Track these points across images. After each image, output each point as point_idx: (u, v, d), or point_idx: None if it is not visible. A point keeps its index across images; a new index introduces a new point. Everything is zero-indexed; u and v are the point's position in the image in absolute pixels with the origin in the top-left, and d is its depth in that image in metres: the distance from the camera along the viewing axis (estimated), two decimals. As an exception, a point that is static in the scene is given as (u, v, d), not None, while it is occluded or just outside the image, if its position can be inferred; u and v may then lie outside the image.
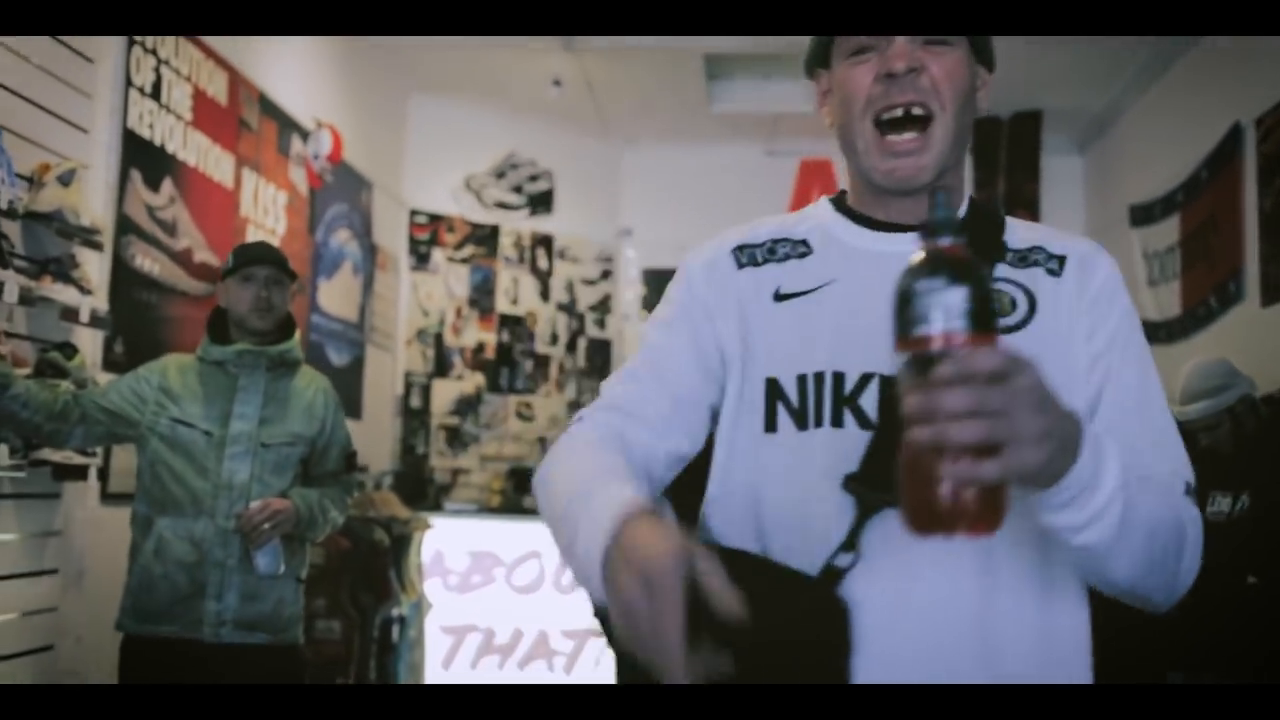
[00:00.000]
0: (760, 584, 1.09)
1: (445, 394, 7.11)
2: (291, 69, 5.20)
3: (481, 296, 7.30)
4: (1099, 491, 1.05)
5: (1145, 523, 1.12)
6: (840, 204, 1.39)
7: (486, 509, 6.28)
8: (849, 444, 1.21)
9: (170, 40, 4.02)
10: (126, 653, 2.95)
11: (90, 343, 3.53)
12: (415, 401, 7.00)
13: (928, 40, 1.26)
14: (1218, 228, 5.49)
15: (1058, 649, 1.22)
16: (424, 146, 7.03)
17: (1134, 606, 1.24)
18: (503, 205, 7.41)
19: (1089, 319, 1.27)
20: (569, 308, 7.67)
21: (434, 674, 5.43)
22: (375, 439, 6.40)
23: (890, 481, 1.02)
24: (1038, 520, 1.08)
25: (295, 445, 3.03)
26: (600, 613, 1.08)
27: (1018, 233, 1.34)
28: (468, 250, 7.26)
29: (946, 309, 0.91)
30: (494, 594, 5.56)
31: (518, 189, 7.46)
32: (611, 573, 0.99)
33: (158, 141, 3.95)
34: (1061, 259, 1.30)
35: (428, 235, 7.09)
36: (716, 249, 1.38)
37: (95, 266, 3.54)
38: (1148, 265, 6.43)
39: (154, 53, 3.92)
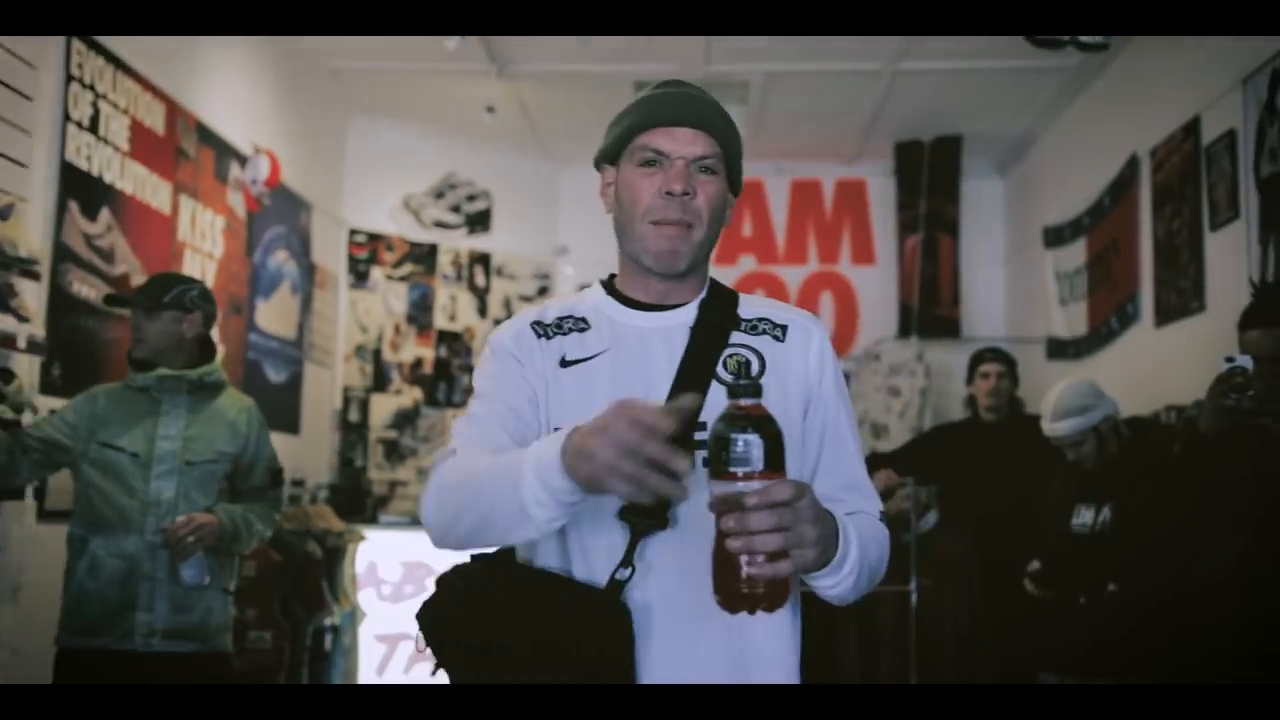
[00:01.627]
0: (561, 596, 1.51)
1: (383, 408, 7.28)
2: (229, 96, 5.36)
3: (419, 313, 7.47)
4: (845, 563, 1.47)
5: (868, 566, 1.53)
6: (610, 287, 1.72)
7: (420, 520, 6.44)
8: None
9: (108, 75, 4.18)
10: (61, 664, 3.12)
11: (28, 368, 3.68)
12: (354, 416, 7.16)
13: (701, 167, 1.62)
14: (1119, 252, 5.79)
15: (784, 644, 1.59)
16: (363, 168, 7.20)
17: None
18: (441, 224, 7.59)
19: (807, 379, 1.65)
20: (507, 324, 7.84)
21: (367, 680, 5.59)
22: (313, 453, 6.56)
23: (653, 510, 1.50)
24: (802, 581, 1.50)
25: (219, 462, 3.22)
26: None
27: (749, 307, 1.70)
28: (406, 268, 7.43)
29: (752, 455, 1.26)
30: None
31: (456, 208, 7.65)
32: (578, 444, 1.29)
33: (95, 172, 4.11)
34: (785, 327, 1.68)
35: (366, 254, 7.26)
36: (519, 325, 1.69)
37: (33, 295, 3.69)
38: (1058, 285, 6.73)
39: (91, 88, 4.08)
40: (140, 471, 3.12)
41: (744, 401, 1.29)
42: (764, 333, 1.66)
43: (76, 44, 3.98)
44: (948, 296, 7.65)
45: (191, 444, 3.18)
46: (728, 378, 1.58)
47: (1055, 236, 6.75)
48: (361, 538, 5.56)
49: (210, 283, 5.10)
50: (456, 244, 7.66)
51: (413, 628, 5.41)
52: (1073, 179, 6.57)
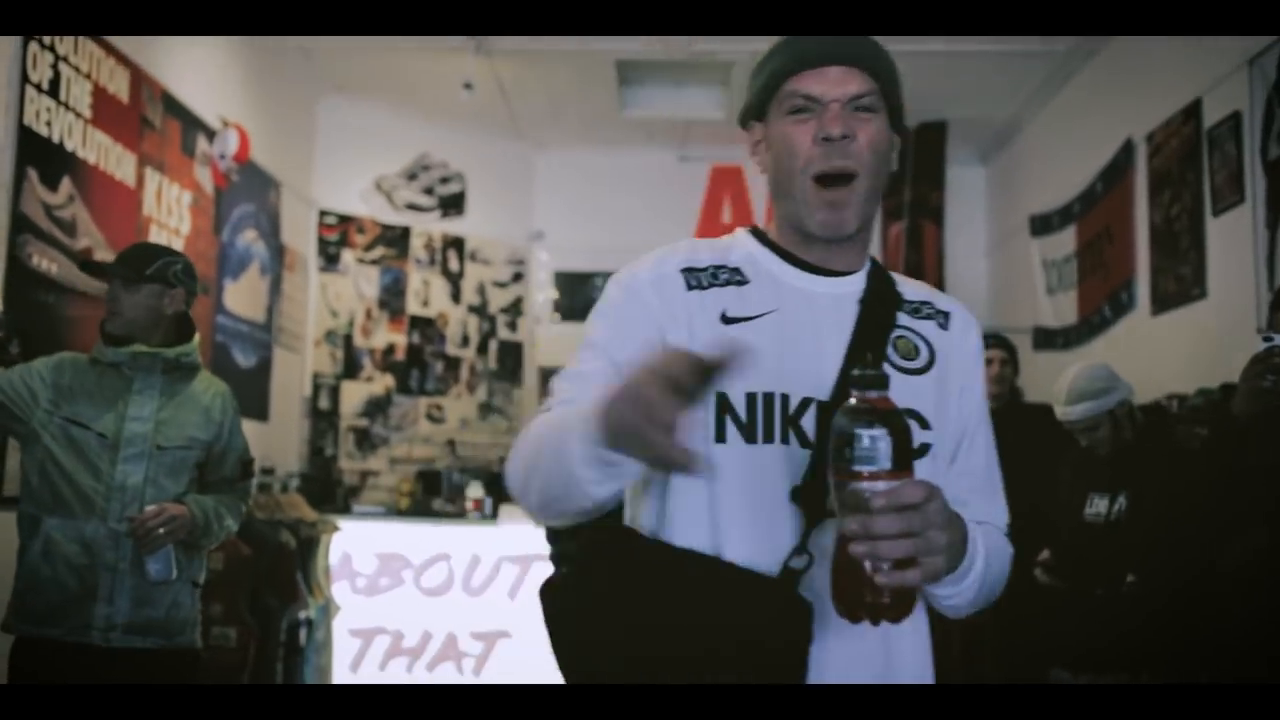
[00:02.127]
0: (733, 582, 1.35)
1: (354, 396, 7.07)
2: (197, 67, 5.13)
3: (392, 298, 7.27)
4: (970, 574, 1.37)
5: (989, 579, 1.42)
6: (763, 239, 1.54)
7: (395, 511, 6.26)
8: (792, 460, 1.39)
9: (69, 37, 3.95)
10: (16, 654, 2.89)
11: (-17, 344, 3.47)
12: (324, 403, 6.95)
13: (857, 107, 1.45)
14: (1112, 239, 5.68)
15: (924, 644, 1.48)
16: (334, 147, 6.98)
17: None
18: (414, 207, 7.39)
19: (965, 374, 1.53)
20: (480, 310, 7.67)
21: (342, 676, 5.40)
22: (282, 441, 6.34)
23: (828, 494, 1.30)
24: None
25: (191, 449, 2.99)
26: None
27: (906, 287, 1.56)
28: (378, 251, 7.22)
29: (879, 452, 1.16)
30: (402, 596, 5.54)
31: (429, 191, 7.45)
32: (605, 404, 1.17)
33: (56, 139, 3.88)
34: (947, 314, 1.55)
35: (337, 236, 7.05)
36: (662, 267, 1.49)
37: (-11, 267, 3.48)
38: (1046, 274, 6.63)
39: (52, 49, 3.85)
40: (107, 453, 2.87)
41: (870, 394, 1.19)
42: (928, 317, 1.53)
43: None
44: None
45: (163, 427, 2.94)
46: (899, 361, 1.46)
47: (1043, 224, 6.65)
48: (335, 528, 5.36)
49: (177, 260, 4.89)
50: (429, 227, 7.45)
51: (389, 622, 5.20)
52: (1061, 166, 6.47)
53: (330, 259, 7.02)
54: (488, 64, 6.30)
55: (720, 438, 1.40)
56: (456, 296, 7.54)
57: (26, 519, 2.88)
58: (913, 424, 1.39)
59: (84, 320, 4.07)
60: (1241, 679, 2.72)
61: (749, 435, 1.40)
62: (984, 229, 7.94)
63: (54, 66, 3.87)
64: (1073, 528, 3.41)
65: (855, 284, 1.51)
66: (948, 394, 1.50)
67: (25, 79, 3.71)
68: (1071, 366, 3.52)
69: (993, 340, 4.50)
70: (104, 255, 4.20)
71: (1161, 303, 5.08)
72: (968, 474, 1.51)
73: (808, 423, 1.40)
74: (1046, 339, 6.51)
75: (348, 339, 7.06)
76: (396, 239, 7.31)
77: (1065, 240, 6.34)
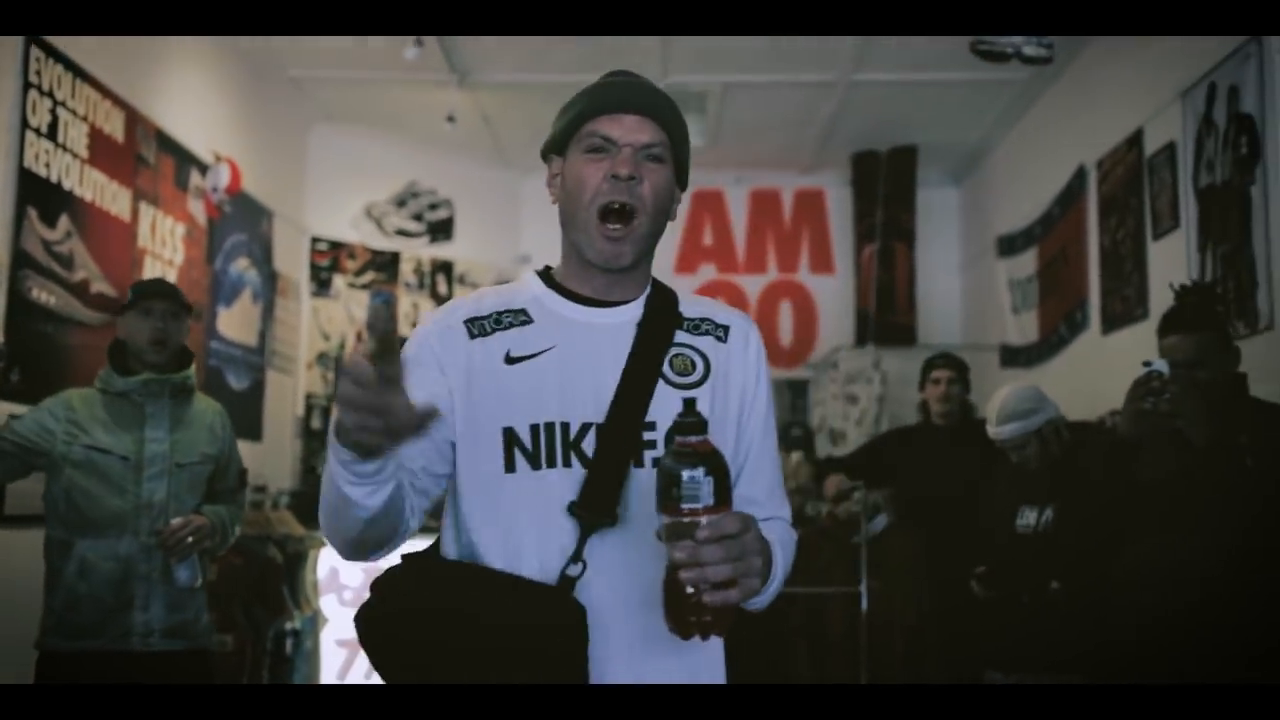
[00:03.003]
0: (512, 593, 1.50)
1: (346, 416, 7.28)
2: (190, 104, 5.39)
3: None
4: (773, 584, 1.54)
5: (786, 573, 1.59)
6: (549, 279, 1.68)
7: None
8: (574, 479, 1.53)
9: (66, 82, 4.21)
10: (45, 668, 3.13)
11: (-14, 373, 3.71)
12: (316, 423, 7.18)
13: (647, 155, 1.60)
14: (1067, 261, 5.91)
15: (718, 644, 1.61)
16: (325, 175, 7.23)
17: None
18: (403, 232, 7.64)
19: (744, 381, 1.66)
20: (469, 331, 7.88)
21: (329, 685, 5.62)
22: (275, 459, 6.58)
23: (603, 506, 1.50)
24: None
25: (205, 464, 3.28)
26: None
27: (689, 305, 1.70)
28: (368, 276, 7.47)
29: (701, 489, 1.30)
30: (389, 609, 5.75)
31: (418, 216, 7.70)
32: (336, 428, 1.34)
33: (54, 179, 4.14)
34: (726, 328, 1.68)
35: (328, 262, 7.30)
36: (449, 318, 1.63)
37: (-9, 301, 3.72)
38: (1011, 293, 6.85)
39: (50, 95, 4.11)
40: (131, 474, 3.13)
41: (691, 439, 1.32)
42: (707, 333, 1.66)
43: (35, 51, 4.02)
44: (904, 304, 7.76)
45: (178, 446, 3.22)
46: (674, 378, 1.59)
47: (1008, 245, 6.88)
48: (323, 543, 5.59)
49: (170, 289, 5.13)
50: (419, 252, 7.70)
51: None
52: (1025, 189, 6.71)
53: (322, 284, 7.27)
54: (470, 96, 6.56)
55: (510, 468, 1.54)
56: (445, 318, 7.76)
57: (56, 543, 3.13)
58: None
59: (81, 349, 4.32)
60: (1144, 676, 2.95)
61: (534, 462, 1.54)
62: (957, 248, 8.17)
63: (52, 111, 4.13)
64: (1005, 538, 3.64)
65: (634, 311, 1.65)
66: (727, 402, 1.63)
67: (25, 124, 3.96)
68: (1002, 389, 3.76)
69: (940, 360, 4.70)
70: (100, 287, 4.45)
71: (1110, 322, 5.31)
72: (758, 478, 1.66)
73: (588, 445, 1.54)
74: (1012, 356, 6.73)
75: (339, 361, 7.30)
76: (386, 264, 7.56)
77: (1028, 261, 6.57)
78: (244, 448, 3.75)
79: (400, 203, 7.63)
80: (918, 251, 7.85)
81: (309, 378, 7.17)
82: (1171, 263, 4.63)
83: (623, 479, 1.53)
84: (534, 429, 1.54)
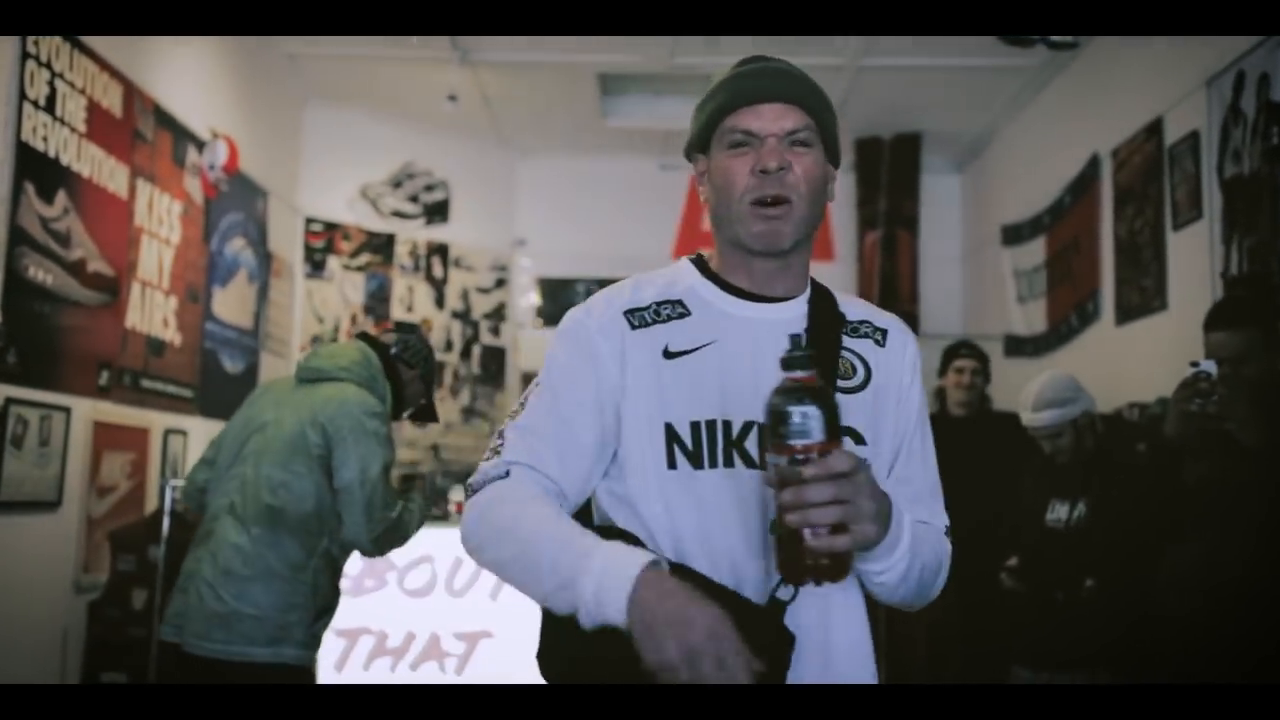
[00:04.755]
0: (731, 610, 1.36)
1: (339, 400, 7.16)
2: (187, 80, 5.24)
3: (376, 304, 7.38)
4: (897, 548, 1.44)
5: (920, 564, 1.50)
6: (704, 269, 1.63)
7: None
8: (739, 481, 1.48)
9: (65, 53, 4.07)
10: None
11: (-18, 354, 3.58)
12: (309, 407, 7.04)
13: (793, 141, 1.54)
14: (1079, 250, 5.84)
15: (862, 653, 1.56)
16: (320, 155, 7.08)
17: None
18: (399, 214, 7.50)
19: (900, 387, 1.61)
20: (464, 315, 7.79)
21: (327, 675, 5.51)
22: (268, 445, 6.44)
23: None
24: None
25: None
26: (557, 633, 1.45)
27: (848, 308, 1.64)
28: (363, 258, 7.33)
29: (809, 426, 1.25)
30: (386, 598, 5.64)
31: (414, 198, 7.56)
32: (651, 620, 1.26)
33: (51, 154, 3.99)
34: (885, 331, 1.63)
35: (323, 243, 7.15)
36: (608, 310, 1.58)
37: (-12, 279, 3.59)
38: (1017, 283, 6.78)
39: (48, 66, 3.97)
40: None
41: (799, 374, 1.28)
42: (866, 336, 1.62)
43: (33, 21, 3.87)
44: (907, 292, 7.69)
45: None
46: (837, 381, 1.55)
47: (1014, 234, 6.80)
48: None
49: (168, 269, 5.00)
50: (414, 234, 7.57)
51: (374, 623, 5.35)
52: (1032, 178, 6.63)
53: (316, 266, 7.13)
54: (471, 74, 6.43)
55: (671, 464, 1.49)
56: (440, 302, 7.65)
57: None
58: (848, 440, 1.48)
59: (77, 329, 4.18)
60: (1182, 678, 2.87)
61: (695, 461, 1.48)
62: (960, 236, 8.10)
63: (50, 83, 3.98)
64: (1035, 533, 3.55)
65: (796, 309, 1.59)
66: (884, 409, 1.58)
67: (23, 95, 3.82)
68: (1039, 375, 3.67)
69: (965, 349, 4.63)
70: (96, 265, 4.32)
71: (1125, 313, 5.24)
72: (906, 481, 1.59)
73: (751, 445, 1.48)
74: (1016, 346, 6.66)
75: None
76: (381, 246, 7.42)
77: (1035, 250, 6.49)
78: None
79: (396, 184, 7.49)
80: (920, 239, 7.77)
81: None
82: (1193, 254, 4.55)
83: None
84: (694, 426, 1.50)
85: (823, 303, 1.62)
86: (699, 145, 1.63)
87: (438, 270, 7.66)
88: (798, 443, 1.25)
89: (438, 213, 7.67)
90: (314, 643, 3.09)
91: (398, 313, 7.45)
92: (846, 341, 1.60)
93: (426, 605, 5.71)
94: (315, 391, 3.12)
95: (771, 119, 1.54)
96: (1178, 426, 2.79)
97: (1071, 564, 3.39)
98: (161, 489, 4.73)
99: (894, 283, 7.66)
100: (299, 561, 3.01)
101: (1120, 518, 3.26)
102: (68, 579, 4.22)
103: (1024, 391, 3.63)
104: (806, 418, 1.25)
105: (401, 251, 7.51)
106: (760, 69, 1.59)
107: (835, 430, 1.27)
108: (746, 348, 1.53)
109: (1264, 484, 2.77)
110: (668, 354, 1.54)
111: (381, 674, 5.63)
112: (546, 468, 1.51)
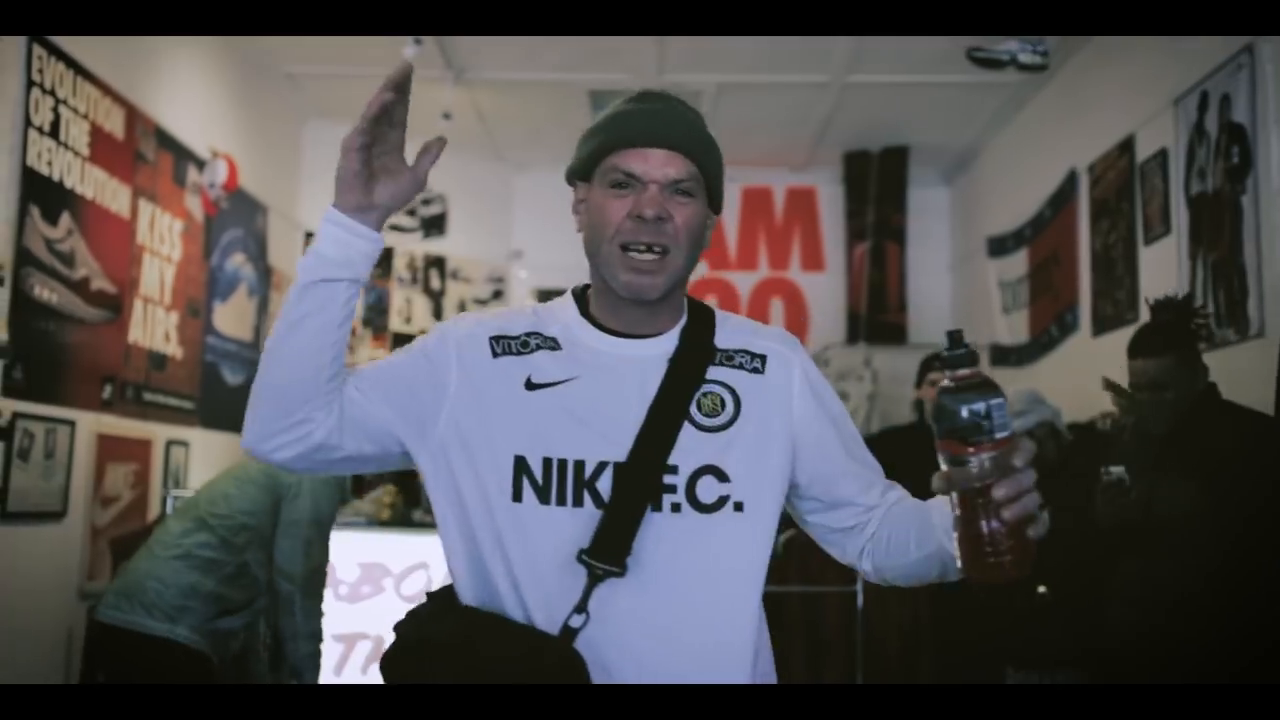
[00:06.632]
0: (517, 643, 1.43)
1: (339, 410, 7.30)
2: (188, 101, 5.40)
3: (375, 316, 7.53)
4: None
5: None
6: (583, 308, 1.61)
7: (376, 522, 6.50)
8: (584, 519, 1.46)
9: (68, 80, 4.22)
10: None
11: (-10, 371, 3.73)
12: (309, 417, 7.18)
13: (676, 190, 1.51)
14: (1059, 263, 5.97)
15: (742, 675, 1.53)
16: (320, 171, 7.22)
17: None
18: (396, 227, 7.65)
19: (792, 411, 1.58)
20: (461, 326, 7.92)
21: (325, 679, 5.64)
22: (269, 454, 6.58)
23: (615, 553, 1.43)
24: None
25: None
26: None
27: (727, 332, 1.61)
28: (362, 271, 7.47)
29: (1004, 417, 1.26)
30: (383, 603, 5.77)
31: (411, 212, 7.71)
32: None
33: (56, 177, 4.15)
34: (763, 358, 1.59)
35: (322, 257, 7.29)
36: (477, 329, 1.58)
37: (-4, 299, 3.74)
38: (1001, 294, 6.92)
39: (52, 93, 4.12)
40: None
41: (966, 370, 1.27)
42: (740, 366, 1.57)
43: (37, 49, 4.02)
44: (895, 303, 7.82)
45: None
46: (701, 419, 1.51)
47: (998, 246, 6.94)
48: (317, 539, 5.61)
49: (169, 285, 5.15)
50: (412, 247, 7.72)
51: (371, 628, 5.52)
52: (1015, 191, 6.76)
53: (316, 278, 7.26)
54: (466, 93, 6.57)
55: (517, 497, 1.46)
56: (438, 314, 7.80)
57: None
58: (710, 477, 1.48)
59: (81, 346, 4.34)
60: (1131, 675, 3.04)
61: (543, 497, 1.46)
62: (948, 247, 8.22)
63: (54, 110, 4.14)
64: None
65: (666, 344, 1.56)
66: (766, 438, 1.54)
67: (28, 122, 3.97)
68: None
69: (938, 361, 4.76)
70: (100, 284, 4.47)
71: (1101, 325, 5.37)
72: (873, 486, 1.63)
73: (603, 485, 1.46)
74: (1002, 356, 6.80)
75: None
76: (380, 259, 7.55)
77: (1018, 262, 6.63)
78: (237, 442, 3.79)
79: (394, 198, 7.63)
80: (908, 250, 7.91)
81: (302, 372, 7.17)
82: (1162, 268, 4.69)
83: (637, 524, 1.45)
84: (546, 462, 1.47)
85: (695, 335, 1.59)
86: (580, 174, 1.59)
87: (435, 282, 7.81)
88: (1002, 434, 1.25)
89: (435, 226, 7.82)
90: (211, 636, 3.27)
91: (396, 325, 7.60)
92: (718, 373, 1.55)
93: (422, 611, 5.82)
94: None
95: (656, 165, 1.50)
96: (1106, 521, 3.09)
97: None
98: (163, 499, 4.89)
99: (882, 293, 7.79)
100: (217, 558, 3.26)
101: (1070, 528, 3.41)
102: (72, 587, 4.37)
103: None
104: (1000, 408, 1.25)
105: (399, 264, 7.66)
106: (651, 110, 1.55)
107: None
108: (609, 385, 1.52)
109: (1192, 506, 2.97)
110: (530, 385, 1.52)
111: (378, 677, 5.74)
112: (366, 386, 1.55)
